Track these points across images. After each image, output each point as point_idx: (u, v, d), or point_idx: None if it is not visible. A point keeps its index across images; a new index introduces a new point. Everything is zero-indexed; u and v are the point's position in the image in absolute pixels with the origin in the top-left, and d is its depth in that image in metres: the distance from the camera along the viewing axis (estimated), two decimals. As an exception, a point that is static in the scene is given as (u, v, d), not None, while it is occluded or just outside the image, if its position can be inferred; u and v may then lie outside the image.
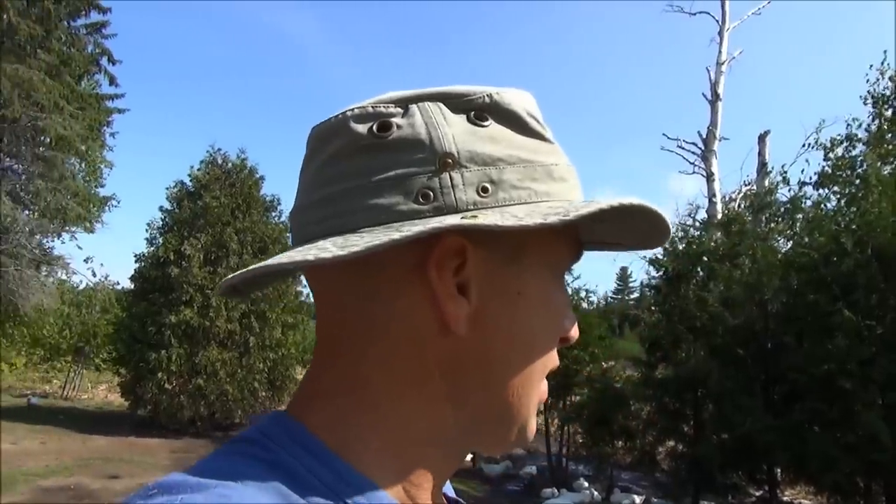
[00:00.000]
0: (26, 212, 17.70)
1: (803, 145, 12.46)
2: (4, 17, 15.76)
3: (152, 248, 13.07)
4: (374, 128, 0.46)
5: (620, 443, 9.89)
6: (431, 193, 0.44)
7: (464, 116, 0.47)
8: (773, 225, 9.34)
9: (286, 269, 0.44)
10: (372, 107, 0.47)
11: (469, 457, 12.17)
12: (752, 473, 7.88)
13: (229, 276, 0.47)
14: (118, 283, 19.39)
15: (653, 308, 10.21)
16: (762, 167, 13.49)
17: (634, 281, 65.44)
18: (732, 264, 8.57)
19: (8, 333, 19.32)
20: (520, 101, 0.50)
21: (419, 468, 0.46)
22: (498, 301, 0.46)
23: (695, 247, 9.20)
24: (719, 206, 12.78)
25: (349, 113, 0.47)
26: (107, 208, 19.79)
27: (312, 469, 0.41)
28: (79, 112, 17.58)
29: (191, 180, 13.49)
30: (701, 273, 9.01)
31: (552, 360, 0.50)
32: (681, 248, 9.43)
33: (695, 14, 15.49)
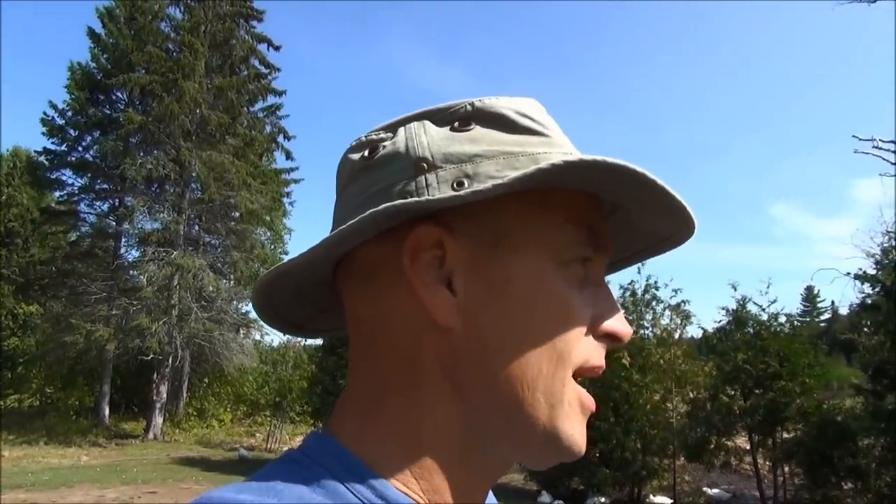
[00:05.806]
0: (224, 281, 19.67)
1: None
2: (198, 111, 17.91)
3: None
4: (366, 153, 0.48)
5: (849, 484, 8.79)
6: (409, 196, 0.44)
7: (447, 127, 0.47)
8: None
9: (286, 272, 0.47)
10: (365, 136, 0.50)
11: (668, 502, 11.41)
12: None
13: (255, 289, 0.50)
14: (304, 340, 20.87)
15: (867, 329, 9.14)
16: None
17: (823, 301, 59.00)
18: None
19: (216, 392, 21.41)
20: (508, 103, 0.48)
21: (436, 472, 0.44)
22: (485, 290, 0.44)
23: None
24: (934, 209, 11.22)
25: (348, 147, 0.51)
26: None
27: (348, 483, 0.41)
28: (262, 186, 19.39)
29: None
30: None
31: (578, 354, 0.45)
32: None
33: (874, 1, 14.06)
